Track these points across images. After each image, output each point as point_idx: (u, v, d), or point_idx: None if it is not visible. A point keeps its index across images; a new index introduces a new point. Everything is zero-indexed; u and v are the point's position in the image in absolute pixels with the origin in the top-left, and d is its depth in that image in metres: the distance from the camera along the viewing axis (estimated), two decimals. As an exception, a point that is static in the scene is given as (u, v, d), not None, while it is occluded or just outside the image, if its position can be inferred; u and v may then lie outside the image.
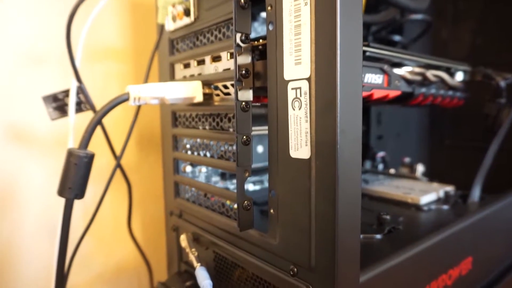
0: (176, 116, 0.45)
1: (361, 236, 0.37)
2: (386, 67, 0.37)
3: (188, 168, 0.45)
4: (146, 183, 0.59)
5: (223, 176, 0.49)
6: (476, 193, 0.49)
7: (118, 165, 0.44)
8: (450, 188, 0.50)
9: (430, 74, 0.42)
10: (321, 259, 0.27)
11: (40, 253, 0.49)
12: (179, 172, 0.45)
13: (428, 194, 0.48)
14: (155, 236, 0.59)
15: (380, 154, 0.64)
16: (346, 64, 0.25)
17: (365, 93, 0.35)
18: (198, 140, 0.41)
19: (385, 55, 0.37)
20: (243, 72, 0.31)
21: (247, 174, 0.32)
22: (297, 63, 0.27)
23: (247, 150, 0.32)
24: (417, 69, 0.41)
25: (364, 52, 0.34)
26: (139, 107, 0.45)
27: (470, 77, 0.49)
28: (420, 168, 0.58)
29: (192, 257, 0.37)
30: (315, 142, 0.26)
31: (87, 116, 0.42)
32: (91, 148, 0.34)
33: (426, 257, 0.36)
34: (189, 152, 0.43)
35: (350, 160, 0.26)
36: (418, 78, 0.41)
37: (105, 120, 0.46)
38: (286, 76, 0.28)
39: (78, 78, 0.39)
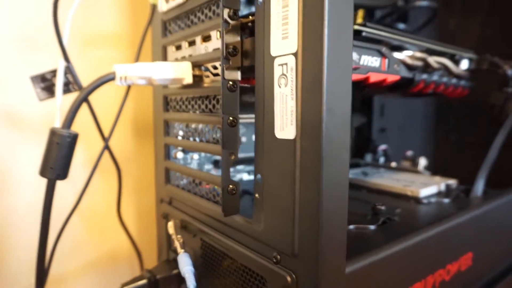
0: (167, 101, 0.43)
1: (353, 226, 0.35)
2: (384, 49, 0.35)
3: (180, 155, 0.44)
4: (142, 172, 0.58)
5: (216, 164, 0.47)
6: (479, 187, 0.47)
7: (106, 147, 0.42)
8: (452, 182, 0.48)
9: (432, 60, 0.40)
10: (304, 246, 0.25)
11: (33, 236, 0.48)
12: (170, 158, 0.44)
13: (429, 187, 0.46)
14: (150, 225, 0.58)
15: (382, 147, 0.62)
16: (334, 38, 0.23)
17: (361, 76, 0.33)
18: (189, 125, 0.40)
19: (383, 36, 0.35)
20: (231, 50, 0.30)
21: (233, 157, 0.31)
22: (284, 37, 0.26)
23: (233, 132, 0.31)
24: (419, 54, 0.39)
25: (360, 32, 0.33)
26: (128, 88, 0.44)
27: (476, 65, 0.47)
28: (422, 162, 0.56)
29: (177, 244, 0.36)
30: (300, 121, 0.25)
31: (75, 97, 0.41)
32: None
33: (422, 250, 0.34)
34: (179, 138, 0.42)
35: (337, 140, 0.24)
36: (419, 63, 0.39)
37: (100, 108, 0.45)
38: (273, 52, 0.27)
39: (66, 57, 0.38)
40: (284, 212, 0.26)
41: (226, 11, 0.29)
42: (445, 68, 0.43)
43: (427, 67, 0.42)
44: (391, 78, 0.36)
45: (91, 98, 0.43)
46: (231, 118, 0.30)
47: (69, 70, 0.38)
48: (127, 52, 0.51)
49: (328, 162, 0.24)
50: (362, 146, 0.65)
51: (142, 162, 0.57)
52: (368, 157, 0.63)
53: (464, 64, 0.47)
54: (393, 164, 0.59)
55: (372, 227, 0.35)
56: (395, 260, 0.31)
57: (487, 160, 0.47)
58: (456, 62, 0.46)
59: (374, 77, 0.34)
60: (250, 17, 0.30)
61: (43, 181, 0.33)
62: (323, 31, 0.23)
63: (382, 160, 0.62)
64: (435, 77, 0.42)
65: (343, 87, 0.24)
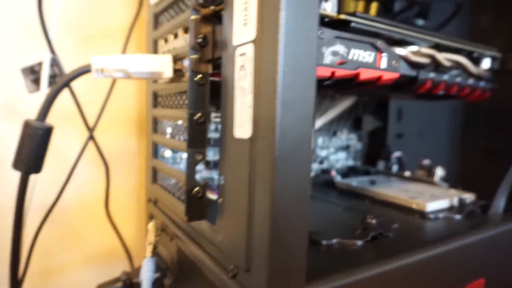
0: (156, 96, 0.42)
1: (336, 240, 0.31)
2: (379, 43, 0.31)
3: (168, 153, 0.42)
4: (145, 170, 0.57)
5: (207, 165, 0.45)
6: (500, 203, 0.41)
7: (91, 137, 0.42)
8: (467, 196, 0.43)
9: (442, 57, 0.36)
10: (257, 260, 0.22)
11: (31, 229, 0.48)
12: (158, 156, 0.43)
13: (438, 201, 0.41)
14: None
15: (396, 154, 0.57)
16: (293, 23, 0.20)
17: (348, 72, 0.30)
18: (176, 122, 0.38)
19: (378, 28, 0.31)
20: (200, 40, 0.27)
21: (199, 158, 0.29)
22: (245, 23, 0.23)
23: (201, 131, 0.28)
24: (425, 50, 0.35)
25: (348, 22, 0.29)
26: (114, 82, 0.43)
27: (500, 65, 0.41)
28: (439, 172, 0.51)
29: (147, 247, 0.34)
30: (256, 118, 0.22)
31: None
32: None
33: (415, 274, 0.30)
34: (167, 136, 0.40)
35: (294, 141, 0.21)
36: (425, 60, 0.35)
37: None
38: (235, 41, 0.24)
39: (52, 49, 0.37)
40: (240, 221, 0.24)
41: (195, -3, 0.27)
42: (461, 67, 0.38)
43: (438, 66, 0.37)
44: (388, 75, 0.32)
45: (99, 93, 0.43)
46: (199, 115, 0.28)
47: (55, 62, 0.38)
48: (129, 46, 0.49)
49: (282, 166, 0.21)
50: (375, 152, 0.60)
51: (144, 161, 0.56)
52: (381, 165, 0.58)
53: (486, 63, 0.41)
54: (407, 173, 0.54)
55: (359, 242, 0.31)
56: (376, 284, 0.27)
57: (510, 173, 0.41)
58: (476, 61, 0.40)
59: (365, 74, 0.31)
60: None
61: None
62: (279, 15, 0.20)
63: (395, 168, 0.57)
64: (445, 76, 0.37)
65: (304, 80, 0.21)
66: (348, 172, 0.58)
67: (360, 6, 0.50)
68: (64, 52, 0.42)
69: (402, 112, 0.61)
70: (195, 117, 0.28)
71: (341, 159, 0.57)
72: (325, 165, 0.55)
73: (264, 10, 0.21)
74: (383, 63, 0.32)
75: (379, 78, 0.32)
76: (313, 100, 0.21)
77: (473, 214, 0.40)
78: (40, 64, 0.39)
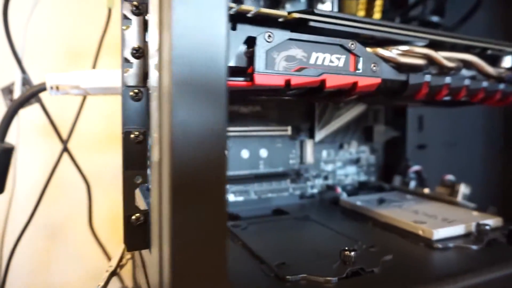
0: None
1: (300, 276, 0.26)
2: (351, 44, 0.26)
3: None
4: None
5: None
6: (531, 231, 0.33)
7: (65, 149, 0.40)
8: (490, 221, 0.36)
9: (441, 56, 0.30)
10: (164, 308, 0.19)
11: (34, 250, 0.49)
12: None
13: (451, 226, 0.34)
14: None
15: (414, 168, 0.50)
16: (191, 22, 0.17)
17: (309, 79, 0.25)
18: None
19: (347, 26, 0.26)
20: (133, 51, 0.25)
21: (139, 181, 0.26)
22: (155, 30, 0.20)
23: (139, 150, 0.25)
24: (417, 49, 0.29)
25: (306, 21, 0.25)
26: (84, 98, 0.42)
27: (525, 63, 0.34)
28: (462, 190, 0.44)
29: (104, 273, 0.31)
30: (160, 140, 0.19)
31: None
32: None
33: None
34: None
35: (199, 165, 0.17)
36: (419, 62, 0.29)
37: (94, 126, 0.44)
38: (152, 50, 0.21)
39: (22, 68, 0.37)
40: (155, 255, 0.20)
41: (127, 4, 0.24)
42: (473, 67, 0.32)
43: (442, 67, 0.31)
44: (366, 81, 0.27)
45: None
46: (136, 133, 0.25)
47: (26, 81, 0.37)
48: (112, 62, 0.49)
49: (182, 195, 0.17)
50: (393, 166, 0.54)
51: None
52: (397, 180, 0.51)
53: (507, 62, 0.34)
54: (426, 190, 0.47)
55: (333, 279, 0.26)
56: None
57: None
58: (494, 60, 0.34)
59: (333, 81, 0.26)
60: (161, 10, 0.25)
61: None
62: (171, 16, 0.16)
63: (413, 184, 0.50)
64: (448, 79, 0.31)
65: (208, 95, 0.17)
66: (359, 188, 0.52)
67: (362, 5, 0.45)
68: (42, 70, 0.42)
69: (423, 120, 0.54)
70: (132, 136, 0.25)
71: (350, 174, 0.52)
72: (330, 181, 0.50)
73: (162, 13, 0.18)
74: (359, 67, 0.27)
75: (354, 84, 0.27)
76: (224, 118, 0.18)
77: (495, 244, 0.33)
78: (14, 84, 0.39)
